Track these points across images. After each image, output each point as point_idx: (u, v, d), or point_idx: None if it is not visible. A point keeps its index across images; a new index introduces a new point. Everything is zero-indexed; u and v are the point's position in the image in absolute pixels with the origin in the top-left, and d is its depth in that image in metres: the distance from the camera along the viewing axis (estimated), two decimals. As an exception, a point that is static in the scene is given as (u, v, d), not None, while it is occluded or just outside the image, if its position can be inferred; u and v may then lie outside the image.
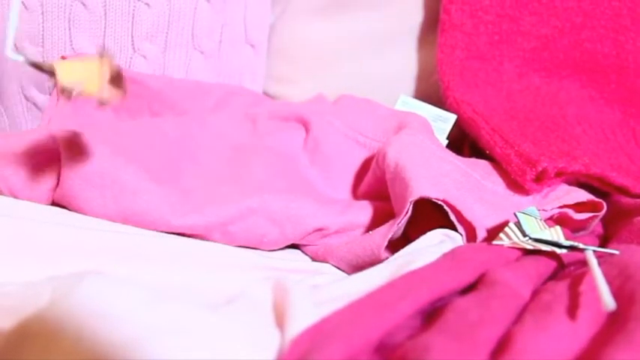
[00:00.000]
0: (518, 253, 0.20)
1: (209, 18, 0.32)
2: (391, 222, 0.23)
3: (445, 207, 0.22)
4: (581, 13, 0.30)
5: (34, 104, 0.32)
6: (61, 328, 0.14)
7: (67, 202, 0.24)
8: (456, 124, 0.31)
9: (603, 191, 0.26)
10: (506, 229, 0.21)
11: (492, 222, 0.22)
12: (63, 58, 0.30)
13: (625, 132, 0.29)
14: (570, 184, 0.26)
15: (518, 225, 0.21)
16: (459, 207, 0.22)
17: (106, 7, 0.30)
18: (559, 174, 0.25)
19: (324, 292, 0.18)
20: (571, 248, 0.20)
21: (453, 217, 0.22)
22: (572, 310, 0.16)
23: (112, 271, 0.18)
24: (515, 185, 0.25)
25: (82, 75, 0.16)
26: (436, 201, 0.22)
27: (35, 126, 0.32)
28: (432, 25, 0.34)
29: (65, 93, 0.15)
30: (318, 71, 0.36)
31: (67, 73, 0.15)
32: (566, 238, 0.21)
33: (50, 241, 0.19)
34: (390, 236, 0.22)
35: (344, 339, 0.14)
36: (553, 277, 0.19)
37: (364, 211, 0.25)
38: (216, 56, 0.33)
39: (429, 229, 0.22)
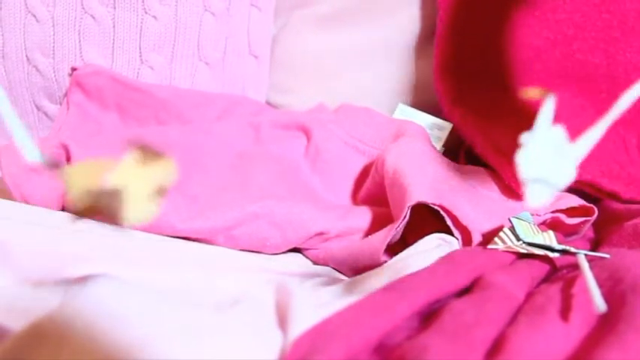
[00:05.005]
0: (513, 256, 0.20)
1: (214, 30, 0.33)
2: (390, 226, 0.23)
3: (442, 212, 0.23)
4: (573, 25, 0.31)
5: (45, 114, 0.33)
6: (71, 329, 0.14)
7: (76, 208, 0.25)
8: (452, 132, 0.32)
9: (594, 197, 0.27)
10: (501, 233, 0.21)
11: (487, 227, 0.23)
12: (73, 69, 0.31)
13: (615, 140, 0.30)
14: (562, 190, 0.26)
15: (513, 230, 0.21)
16: (455, 212, 0.22)
17: (114, 19, 0.31)
18: (552, 180, 0.25)
19: (324, 294, 0.19)
20: (563, 252, 0.21)
21: (449, 222, 0.23)
22: (564, 312, 0.16)
23: (120, 274, 0.19)
24: (510, 191, 0.26)
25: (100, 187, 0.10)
26: (433, 206, 0.23)
27: (46, 135, 0.33)
28: (428, 36, 0.35)
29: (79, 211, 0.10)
30: (319, 81, 0.36)
31: (75, 187, 0.10)
32: (559, 242, 0.21)
33: (60, 244, 0.20)
34: (388, 240, 0.22)
35: (344, 340, 0.14)
36: (546, 280, 0.20)
37: (364, 216, 0.26)
38: (221, 67, 0.34)
39: (426, 234, 0.22)
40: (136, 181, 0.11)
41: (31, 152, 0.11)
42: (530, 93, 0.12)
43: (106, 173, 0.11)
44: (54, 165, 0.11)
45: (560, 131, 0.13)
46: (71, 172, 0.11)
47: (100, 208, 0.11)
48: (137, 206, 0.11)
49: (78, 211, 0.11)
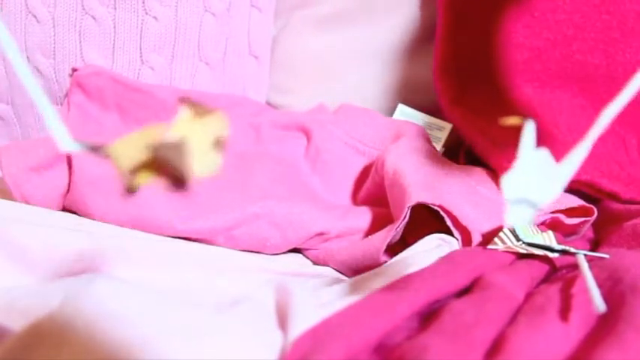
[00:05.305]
0: (512, 257, 0.21)
1: (214, 31, 0.33)
2: (390, 227, 0.23)
3: (441, 212, 0.23)
4: (572, 26, 0.31)
5: (45, 114, 0.33)
6: (71, 329, 0.14)
7: (76, 208, 0.25)
8: (452, 133, 0.32)
9: (594, 197, 0.27)
10: (501, 233, 0.22)
11: (487, 227, 0.23)
12: (74, 70, 0.31)
13: (615, 140, 0.30)
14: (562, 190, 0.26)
15: (512, 230, 0.21)
16: (454, 212, 0.22)
17: (115, 20, 0.31)
18: (552, 180, 0.25)
19: (324, 294, 0.19)
20: (563, 252, 0.21)
21: (449, 222, 0.23)
22: (564, 312, 0.16)
23: (120, 274, 0.19)
24: (510, 191, 0.26)
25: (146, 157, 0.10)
26: (433, 206, 0.23)
27: (46, 135, 0.33)
28: (428, 37, 0.35)
29: (129, 189, 0.10)
30: (319, 82, 0.37)
31: (125, 158, 0.10)
32: (559, 243, 0.21)
33: (60, 244, 0.20)
34: (388, 240, 0.22)
35: (344, 340, 0.14)
36: (546, 280, 0.20)
37: (364, 216, 0.26)
38: (221, 68, 0.34)
39: (426, 234, 0.22)
40: (195, 134, 0.10)
41: (66, 142, 0.11)
42: (510, 120, 0.12)
43: (158, 133, 0.10)
44: (94, 148, 0.10)
45: (544, 154, 0.12)
46: (117, 145, 0.10)
47: (161, 164, 0.10)
48: (202, 157, 0.10)
49: (133, 180, 0.10)
